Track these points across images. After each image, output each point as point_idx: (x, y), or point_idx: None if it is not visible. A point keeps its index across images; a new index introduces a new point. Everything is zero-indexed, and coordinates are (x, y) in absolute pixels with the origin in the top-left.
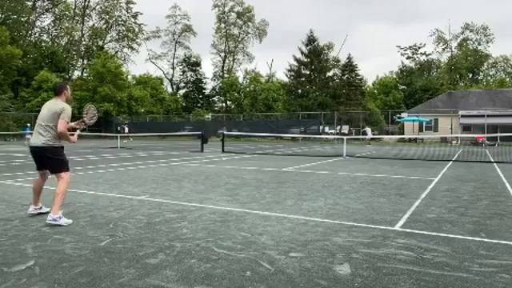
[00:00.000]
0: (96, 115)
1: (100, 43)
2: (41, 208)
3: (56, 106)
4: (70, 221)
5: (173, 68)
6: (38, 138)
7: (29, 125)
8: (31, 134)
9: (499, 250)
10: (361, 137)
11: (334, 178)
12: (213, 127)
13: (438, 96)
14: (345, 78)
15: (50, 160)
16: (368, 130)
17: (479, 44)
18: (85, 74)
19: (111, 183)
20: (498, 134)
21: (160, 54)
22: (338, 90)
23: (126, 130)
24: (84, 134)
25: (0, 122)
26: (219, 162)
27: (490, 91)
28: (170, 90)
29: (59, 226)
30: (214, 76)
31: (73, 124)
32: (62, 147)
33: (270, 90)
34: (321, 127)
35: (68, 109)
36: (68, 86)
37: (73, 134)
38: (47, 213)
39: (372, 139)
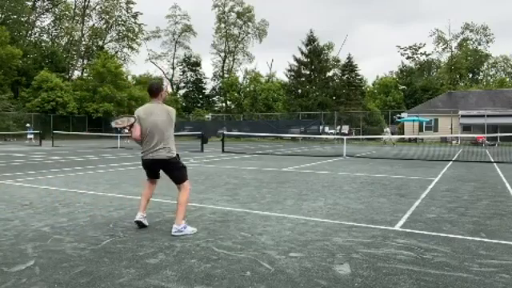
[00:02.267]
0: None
1: (100, 43)
2: (145, 218)
3: (167, 112)
4: (195, 229)
5: (173, 68)
6: (156, 149)
7: (28, 125)
8: (32, 134)
9: (499, 250)
10: (364, 137)
11: (334, 178)
12: (213, 127)
13: (438, 96)
14: (345, 78)
15: (173, 171)
16: (388, 130)
17: (479, 44)
18: (85, 74)
19: (111, 183)
20: (498, 134)
21: (160, 54)
22: (338, 90)
23: (126, 130)
24: (84, 133)
25: (0, 122)
26: (219, 162)
27: (490, 91)
28: (169, 89)
29: (186, 235)
30: (214, 76)
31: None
32: (178, 154)
33: (270, 90)
34: (321, 127)
35: (174, 112)
36: (164, 85)
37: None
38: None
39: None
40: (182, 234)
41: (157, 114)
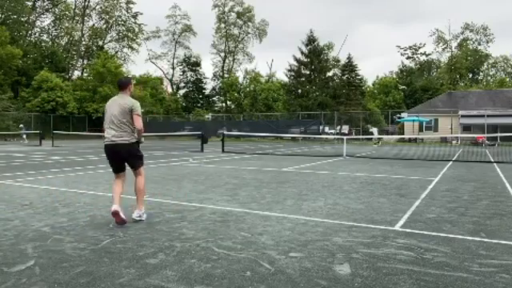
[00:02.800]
0: None
1: (100, 43)
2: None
3: (125, 103)
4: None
5: (173, 68)
6: (115, 135)
7: (21, 126)
8: (25, 133)
9: (499, 250)
10: (364, 137)
11: (334, 178)
12: (213, 127)
13: (438, 96)
14: (345, 78)
15: (130, 157)
16: (375, 129)
17: (479, 44)
18: (85, 74)
19: (111, 183)
20: (498, 134)
21: (160, 54)
22: (338, 90)
23: None
24: (84, 133)
25: (0, 122)
26: (219, 162)
27: (490, 91)
28: (169, 89)
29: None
30: (214, 76)
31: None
32: (138, 143)
33: (270, 89)
34: (321, 127)
35: (138, 104)
36: (132, 80)
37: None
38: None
39: (368, 139)
40: (141, 220)
41: (118, 104)
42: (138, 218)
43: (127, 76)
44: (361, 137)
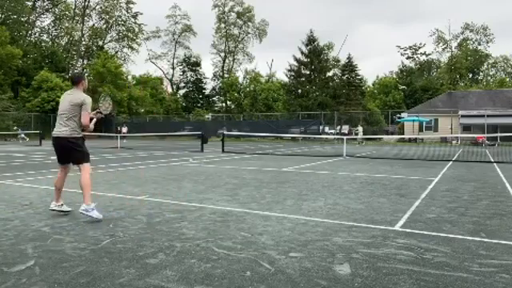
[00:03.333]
0: (111, 105)
1: (100, 43)
2: (62, 205)
3: (77, 98)
4: (101, 216)
5: (173, 68)
6: (61, 128)
7: (15, 128)
8: (23, 133)
9: (499, 250)
10: (364, 137)
11: (334, 178)
12: (213, 127)
13: (438, 96)
14: (345, 78)
15: (72, 151)
16: (360, 129)
17: (479, 44)
18: (85, 74)
19: (111, 183)
20: (498, 134)
21: (160, 54)
22: (338, 90)
23: (124, 130)
24: (84, 134)
25: (0, 122)
26: (219, 162)
27: (490, 91)
28: (170, 89)
29: (91, 217)
30: (214, 76)
31: (92, 114)
32: (83, 138)
33: (270, 89)
34: (321, 127)
35: (88, 100)
36: (85, 76)
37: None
38: (68, 212)
39: (368, 139)
40: (88, 215)
41: (68, 99)
42: (85, 213)
43: (80, 72)
44: (361, 136)
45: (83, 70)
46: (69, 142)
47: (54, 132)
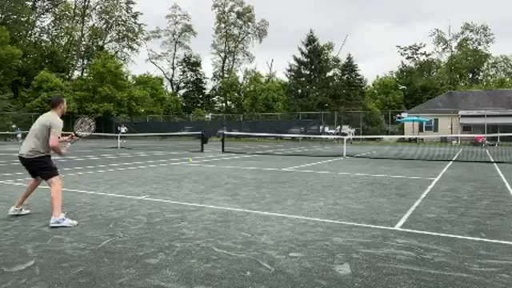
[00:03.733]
0: (92, 127)
1: (100, 43)
2: (21, 210)
3: (46, 120)
4: (75, 222)
5: (173, 68)
6: (25, 148)
7: (14, 126)
8: (20, 133)
9: (499, 250)
10: (364, 137)
11: (334, 178)
12: (213, 127)
13: (438, 96)
14: (345, 77)
15: (38, 170)
16: (351, 131)
17: (479, 44)
18: (85, 74)
19: (111, 183)
20: (498, 134)
21: (160, 54)
22: (338, 90)
23: (123, 130)
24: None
25: (0, 122)
26: (219, 162)
27: (490, 91)
28: (170, 89)
29: (64, 227)
30: (214, 76)
31: (65, 138)
32: (49, 156)
33: (270, 89)
34: (321, 127)
35: (57, 123)
36: (64, 99)
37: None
38: (27, 214)
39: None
40: (61, 226)
41: (41, 120)
42: (56, 225)
43: (58, 95)
44: (361, 137)
45: (83, 69)
46: (33, 162)
47: (20, 151)
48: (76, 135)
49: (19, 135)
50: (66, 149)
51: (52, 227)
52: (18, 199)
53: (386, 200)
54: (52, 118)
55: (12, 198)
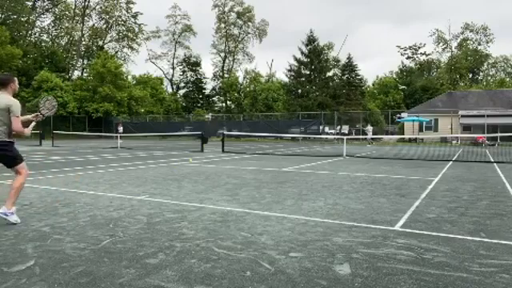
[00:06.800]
0: (55, 106)
1: (100, 43)
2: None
3: (2, 103)
4: (19, 220)
5: (173, 68)
6: None
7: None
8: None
9: (499, 250)
10: (361, 136)
11: (334, 178)
12: (213, 127)
13: (438, 96)
14: (345, 78)
15: (4, 157)
16: (370, 128)
17: (479, 44)
18: (85, 74)
19: (111, 183)
20: (498, 134)
21: (160, 54)
22: (338, 90)
23: (121, 129)
24: (84, 134)
25: None
26: (219, 162)
27: (490, 91)
28: (170, 89)
29: (9, 221)
30: (214, 76)
31: (29, 117)
32: (13, 142)
33: (270, 89)
34: (321, 127)
35: (16, 104)
36: (15, 78)
37: (27, 126)
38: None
39: (373, 139)
40: (7, 219)
41: None
42: (3, 216)
43: (8, 73)
44: (361, 137)
45: (83, 69)
46: None
47: None
48: (41, 114)
49: None
50: (30, 128)
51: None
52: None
53: (386, 200)
54: (8, 99)
55: None
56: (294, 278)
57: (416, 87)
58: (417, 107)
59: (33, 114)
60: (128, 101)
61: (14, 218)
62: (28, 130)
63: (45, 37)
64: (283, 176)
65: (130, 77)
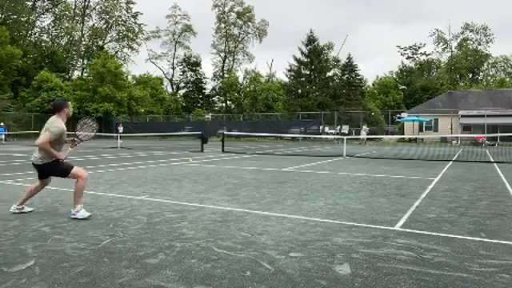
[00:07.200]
0: (95, 129)
1: (100, 43)
2: (23, 208)
3: (48, 123)
4: (87, 214)
5: (173, 68)
6: (36, 154)
7: (2, 124)
8: (3, 134)
9: (499, 250)
10: (364, 137)
11: (334, 178)
12: (213, 127)
13: (438, 96)
14: (345, 78)
15: (51, 172)
16: (366, 129)
17: (479, 44)
18: (85, 74)
19: (111, 183)
20: (498, 134)
21: (160, 54)
22: (338, 90)
23: (121, 129)
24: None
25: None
26: (219, 162)
27: (490, 91)
28: (170, 89)
29: (78, 218)
30: (214, 76)
31: (67, 141)
32: (54, 162)
33: (270, 89)
34: (321, 127)
35: (55, 129)
36: (69, 103)
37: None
38: (28, 213)
39: (369, 139)
40: (75, 218)
41: (44, 127)
42: (72, 217)
43: (62, 98)
44: (361, 137)
45: (83, 69)
46: (43, 168)
47: (32, 157)
48: (78, 138)
49: (2, 136)
50: (67, 154)
51: (73, 218)
52: (20, 198)
53: (386, 200)
54: (53, 122)
55: (12, 197)
56: (294, 278)
57: (416, 87)
58: (417, 107)
59: (69, 139)
60: (128, 101)
61: (80, 215)
62: (62, 155)
63: (45, 37)
64: (283, 176)
65: (129, 77)
